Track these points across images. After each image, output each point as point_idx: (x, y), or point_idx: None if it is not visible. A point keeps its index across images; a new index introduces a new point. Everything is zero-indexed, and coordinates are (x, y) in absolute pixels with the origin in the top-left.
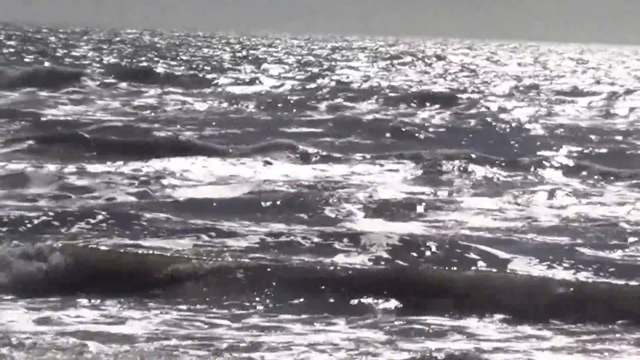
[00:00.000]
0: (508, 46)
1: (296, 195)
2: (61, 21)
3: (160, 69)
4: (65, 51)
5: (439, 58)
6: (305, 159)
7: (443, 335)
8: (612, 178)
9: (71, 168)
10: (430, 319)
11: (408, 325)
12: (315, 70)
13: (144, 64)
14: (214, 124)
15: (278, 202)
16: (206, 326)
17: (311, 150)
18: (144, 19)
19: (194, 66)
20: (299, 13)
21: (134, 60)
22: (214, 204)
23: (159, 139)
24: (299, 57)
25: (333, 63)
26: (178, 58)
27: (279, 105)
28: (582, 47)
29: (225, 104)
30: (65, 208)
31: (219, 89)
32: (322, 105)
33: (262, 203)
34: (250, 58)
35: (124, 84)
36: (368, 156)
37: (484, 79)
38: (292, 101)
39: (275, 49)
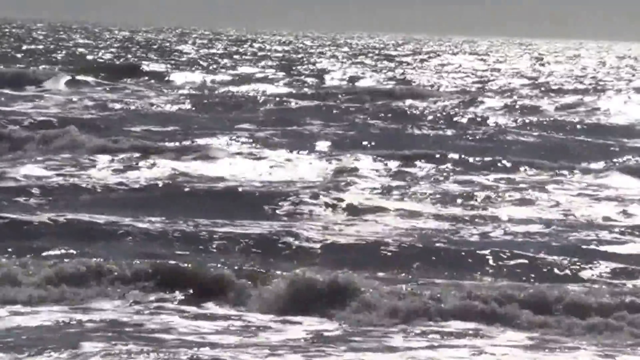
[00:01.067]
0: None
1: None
2: (66, 19)
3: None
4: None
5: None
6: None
7: None
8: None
9: None
10: None
11: None
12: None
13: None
14: (156, 120)
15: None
16: None
17: (235, 148)
18: (147, 16)
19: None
20: (305, 9)
21: (112, 57)
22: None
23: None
24: (282, 55)
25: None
26: (162, 54)
27: (218, 103)
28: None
29: (172, 100)
30: None
31: (176, 86)
32: (259, 103)
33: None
34: (229, 54)
35: (90, 80)
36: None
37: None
38: (232, 99)
39: (259, 45)
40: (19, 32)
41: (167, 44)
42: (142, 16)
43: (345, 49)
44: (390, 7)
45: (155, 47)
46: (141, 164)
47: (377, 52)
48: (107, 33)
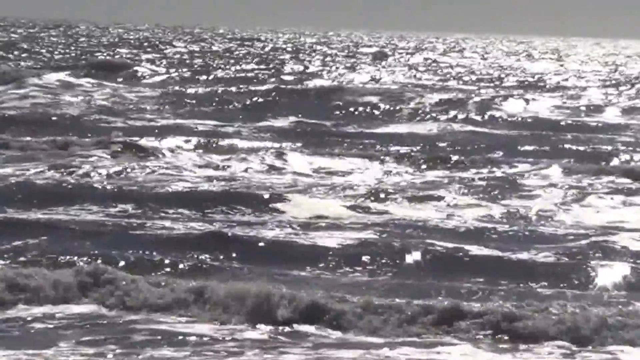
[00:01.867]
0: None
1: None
2: (65, 17)
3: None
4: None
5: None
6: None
7: None
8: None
9: None
10: None
11: None
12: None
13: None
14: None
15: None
16: None
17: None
18: (149, 14)
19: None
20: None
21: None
22: None
23: None
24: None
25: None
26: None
27: (186, 99)
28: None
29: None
30: None
31: (154, 84)
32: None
33: None
34: (216, 53)
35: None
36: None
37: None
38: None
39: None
40: (10, 30)
41: (159, 42)
42: (142, 15)
43: (335, 46)
44: (391, 7)
45: (148, 44)
46: (90, 160)
47: (366, 49)
48: (101, 31)
